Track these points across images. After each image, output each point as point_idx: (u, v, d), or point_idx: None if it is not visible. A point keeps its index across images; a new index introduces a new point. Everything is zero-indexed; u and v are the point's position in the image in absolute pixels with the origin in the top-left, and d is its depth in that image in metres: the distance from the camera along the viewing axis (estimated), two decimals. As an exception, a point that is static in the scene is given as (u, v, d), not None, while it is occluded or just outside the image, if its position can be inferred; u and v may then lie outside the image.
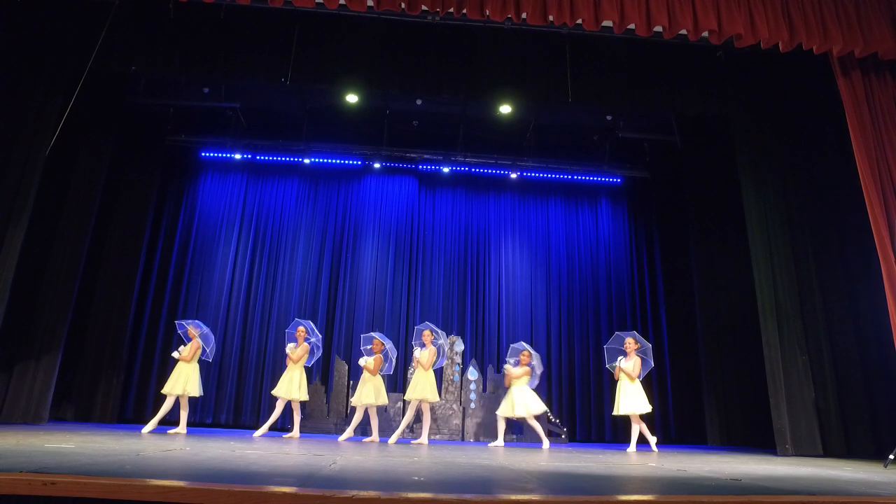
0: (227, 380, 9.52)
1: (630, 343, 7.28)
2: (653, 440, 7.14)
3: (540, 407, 7.39)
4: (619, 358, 7.29)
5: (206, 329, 7.49)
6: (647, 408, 7.07)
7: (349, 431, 7.32)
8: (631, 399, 7.07)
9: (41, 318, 7.71)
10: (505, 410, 7.42)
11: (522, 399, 7.29)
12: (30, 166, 7.00)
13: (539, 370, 7.62)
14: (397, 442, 7.14)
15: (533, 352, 7.62)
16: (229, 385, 9.50)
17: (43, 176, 7.13)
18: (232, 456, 4.04)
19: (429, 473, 3.40)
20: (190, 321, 7.53)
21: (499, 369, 9.06)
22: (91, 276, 8.85)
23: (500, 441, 7.37)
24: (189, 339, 7.29)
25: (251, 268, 10.20)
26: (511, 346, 7.91)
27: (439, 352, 7.46)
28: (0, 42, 7.00)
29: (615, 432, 9.50)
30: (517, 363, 7.49)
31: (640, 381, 7.22)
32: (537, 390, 7.57)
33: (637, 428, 7.09)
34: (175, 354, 7.19)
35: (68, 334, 7.95)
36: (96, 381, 8.67)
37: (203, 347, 7.34)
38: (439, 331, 7.60)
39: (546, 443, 7.36)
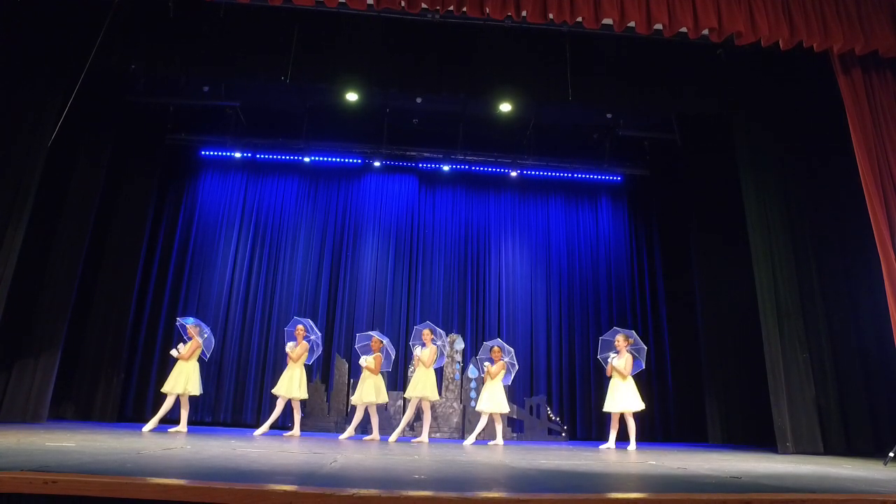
0: (228, 378, 9.52)
1: (620, 340, 7.25)
2: (611, 438, 7.12)
3: (503, 406, 7.41)
4: (612, 355, 7.26)
5: (207, 330, 7.46)
6: (640, 405, 7.06)
7: (350, 430, 7.32)
8: (623, 397, 7.06)
9: (41, 316, 7.71)
10: (478, 405, 7.58)
11: (489, 395, 7.38)
12: (29, 165, 6.99)
13: (513, 366, 7.70)
14: (398, 440, 7.14)
15: (505, 347, 7.67)
16: (229, 384, 9.50)
17: (43, 175, 7.12)
18: (233, 454, 4.05)
19: (429, 472, 3.40)
20: (191, 320, 7.51)
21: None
22: (91, 274, 8.85)
23: (499, 439, 7.37)
24: (189, 338, 7.29)
25: (251, 266, 10.20)
26: (484, 343, 7.87)
27: (439, 351, 7.47)
28: (0, 42, 6.99)
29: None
30: (492, 361, 7.58)
31: (634, 378, 7.21)
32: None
33: (634, 425, 7.08)
34: (174, 353, 7.18)
35: (68, 333, 7.96)
36: (96, 379, 8.67)
37: (202, 347, 7.33)
38: (439, 330, 7.60)
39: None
